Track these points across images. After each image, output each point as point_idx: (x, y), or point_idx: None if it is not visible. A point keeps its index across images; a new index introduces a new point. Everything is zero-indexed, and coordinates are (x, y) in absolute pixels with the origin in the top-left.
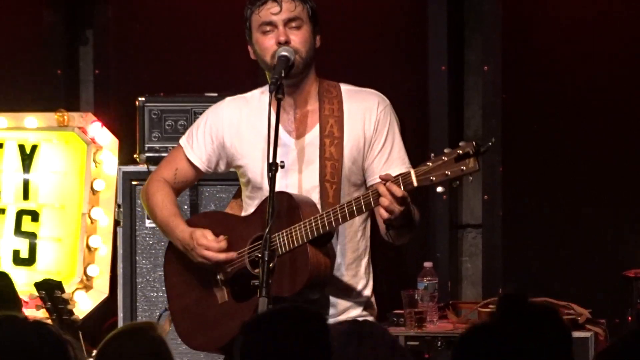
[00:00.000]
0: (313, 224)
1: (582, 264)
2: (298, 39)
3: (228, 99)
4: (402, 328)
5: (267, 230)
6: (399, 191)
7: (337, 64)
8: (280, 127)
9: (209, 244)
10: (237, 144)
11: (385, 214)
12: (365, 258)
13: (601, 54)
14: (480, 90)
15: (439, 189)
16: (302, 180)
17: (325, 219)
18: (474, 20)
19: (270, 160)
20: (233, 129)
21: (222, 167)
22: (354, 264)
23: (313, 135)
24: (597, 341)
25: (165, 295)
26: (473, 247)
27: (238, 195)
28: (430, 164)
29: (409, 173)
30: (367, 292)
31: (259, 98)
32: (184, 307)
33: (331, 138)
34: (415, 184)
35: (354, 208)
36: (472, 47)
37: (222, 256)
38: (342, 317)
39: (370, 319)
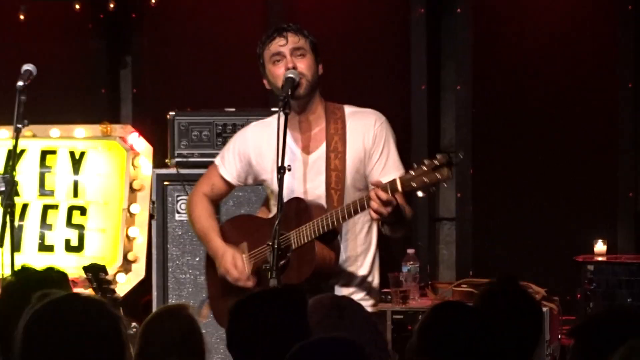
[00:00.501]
0: (320, 223)
1: (540, 250)
2: (304, 65)
3: (253, 123)
4: (389, 304)
5: (276, 222)
6: (384, 196)
7: (332, 85)
8: (294, 144)
9: (233, 273)
10: (261, 162)
11: (374, 215)
12: (371, 252)
13: (552, 75)
14: (453, 106)
15: (420, 194)
16: (313, 188)
17: (329, 218)
18: (449, 47)
19: (279, 165)
20: (257, 149)
21: (250, 181)
22: (359, 258)
23: (321, 151)
24: (552, 315)
25: (191, 277)
26: (448, 236)
27: (266, 202)
28: (413, 172)
29: (395, 181)
30: (370, 279)
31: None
32: (219, 294)
33: (335, 152)
34: (399, 189)
35: (352, 209)
36: (447, 70)
37: (240, 284)
38: None
39: (370, 302)
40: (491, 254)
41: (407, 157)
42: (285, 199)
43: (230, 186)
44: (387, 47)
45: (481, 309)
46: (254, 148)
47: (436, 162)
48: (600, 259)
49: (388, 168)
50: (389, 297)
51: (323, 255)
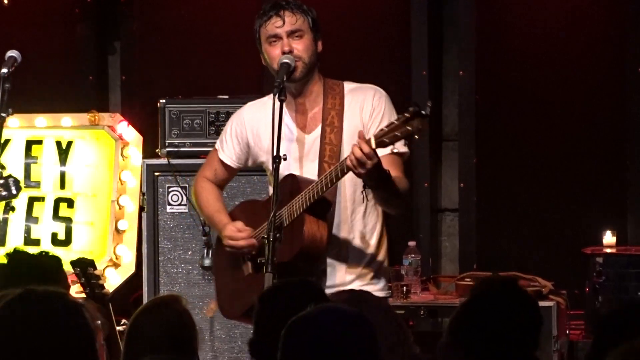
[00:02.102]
0: (306, 195)
1: (546, 243)
2: (300, 47)
3: (248, 104)
4: (390, 298)
5: (271, 214)
6: (358, 153)
7: (331, 70)
8: (294, 124)
9: (232, 234)
10: (259, 143)
11: (359, 171)
12: (376, 232)
13: (561, 62)
14: (456, 92)
15: (403, 149)
16: (312, 167)
17: (315, 188)
18: (452, 31)
19: (274, 154)
20: (254, 129)
21: (250, 163)
22: (365, 237)
23: (319, 131)
24: (559, 310)
25: (183, 271)
26: (451, 228)
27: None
28: (386, 128)
29: (369, 139)
30: (380, 259)
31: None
32: (224, 284)
33: (332, 127)
34: (373, 145)
35: (333, 174)
36: (449, 55)
37: (241, 243)
38: (354, 286)
39: (380, 285)
40: (496, 246)
41: (407, 145)
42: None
43: (232, 170)
44: (387, 31)
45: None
46: (251, 129)
47: (407, 115)
48: (609, 250)
49: None
50: (390, 291)
51: (312, 229)
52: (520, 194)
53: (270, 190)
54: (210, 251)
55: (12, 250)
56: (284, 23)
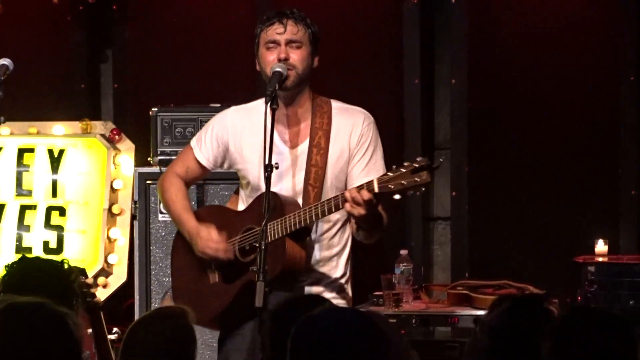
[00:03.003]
0: (292, 220)
1: (538, 251)
2: (297, 57)
3: (233, 108)
4: (382, 307)
5: (264, 223)
6: (358, 197)
7: (325, 77)
8: (278, 137)
9: (210, 244)
10: (239, 150)
11: (355, 214)
12: (345, 253)
13: (551, 68)
14: (448, 100)
15: (397, 197)
16: (293, 184)
17: (301, 215)
18: (444, 39)
19: (266, 162)
20: (237, 135)
21: (225, 166)
22: (333, 258)
23: (305, 146)
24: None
25: None
26: (443, 236)
27: (237, 192)
28: (391, 174)
29: (372, 182)
30: (343, 281)
31: (260, 109)
32: (183, 285)
33: (318, 148)
34: (376, 190)
35: (325, 208)
36: (441, 63)
37: (221, 255)
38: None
39: (342, 302)
40: (488, 254)
41: (400, 153)
42: (261, 192)
43: (204, 170)
44: (378, 39)
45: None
46: (233, 135)
47: (415, 165)
48: (601, 259)
49: (369, 169)
50: (382, 300)
51: (293, 253)
52: (512, 202)
53: (243, 199)
54: None
55: (25, 257)
56: (285, 30)
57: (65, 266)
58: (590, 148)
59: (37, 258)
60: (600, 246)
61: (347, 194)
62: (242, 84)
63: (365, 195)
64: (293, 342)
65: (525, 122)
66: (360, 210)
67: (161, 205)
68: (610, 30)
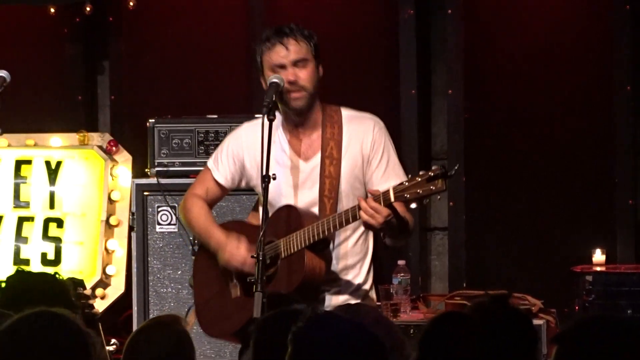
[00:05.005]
0: (310, 232)
1: (536, 261)
2: (304, 76)
3: (245, 124)
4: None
5: (261, 234)
6: (375, 206)
7: (322, 88)
8: (291, 150)
9: (236, 255)
10: (255, 166)
11: (367, 224)
12: (367, 261)
13: (547, 79)
14: (445, 111)
15: (413, 205)
16: (308, 196)
17: (320, 227)
18: (440, 51)
19: (264, 173)
20: (251, 151)
21: (243, 184)
22: (356, 266)
23: (317, 159)
24: (549, 328)
25: (173, 291)
26: (440, 247)
27: (256, 208)
28: (407, 183)
29: (388, 191)
30: (366, 288)
31: (273, 124)
32: (206, 300)
33: (330, 159)
34: (392, 199)
35: (343, 219)
36: (438, 74)
37: (246, 268)
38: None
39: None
40: (485, 264)
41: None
42: (278, 206)
43: (224, 190)
44: (375, 50)
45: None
46: (247, 150)
47: (431, 174)
48: (598, 269)
49: (388, 174)
50: (380, 310)
51: (313, 265)
52: (509, 212)
53: (260, 214)
54: None
55: (21, 270)
56: (288, 51)
57: (59, 277)
58: (586, 158)
59: (30, 272)
60: (598, 256)
61: (363, 204)
62: (239, 95)
63: (380, 207)
64: (294, 346)
65: (521, 132)
66: (377, 220)
67: (184, 225)
68: (605, 40)
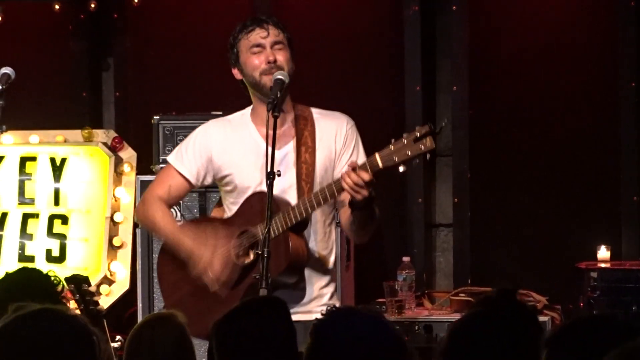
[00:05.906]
0: (292, 213)
1: (540, 257)
2: (282, 58)
3: (212, 121)
4: (385, 314)
5: (266, 230)
6: (366, 176)
7: (327, 85)
8: (261, 139)
9: (208, 272)
10: (224, 157)
11: (356, 196)
12: (333, 255)
13: (552, 75)
14: (449, 107)
15: (401, 169)
16: (283, 182)
17: (300, 207)
18: (444, 47)
19: (268, 170)
20: (220, 145)
21: (208, 179)
22: (325, 259)
23: (290, 146)
24: (554, 324)
25: None
26: (445, 243)
27: (219, 204)
28: (392, 147)
29: (374, 157)
30: (334, 281)
31: (240, 119)
32: (179, 300)
33: (306, 146)
34: (380, 165)
35: (321, 197)
36: (442, 70)
37: (214, 287)
38: (314, 304)
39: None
40: (490, 261)
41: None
42: (249, 193)
43: (189, 185)
44: (380, 46)
45: (477, 320)
46: (216, 143)
47: (417, 134)
48: (603, 265)
49: None
50: (384, 307)
51: (296, 246)
52: (514, 208)
53: (228, 207)
54: None
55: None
56: (268, 34)
57: (52, 278)
58: (591, 154)
59: (19, 270)
60: (603, 252)
61: (346, 175)
62: (243, 91)
63: (366, 175)
64: (315, 338)
65: (526, 128)
66: (363, 193)
67: (143, 227)
68: (611, 37)
